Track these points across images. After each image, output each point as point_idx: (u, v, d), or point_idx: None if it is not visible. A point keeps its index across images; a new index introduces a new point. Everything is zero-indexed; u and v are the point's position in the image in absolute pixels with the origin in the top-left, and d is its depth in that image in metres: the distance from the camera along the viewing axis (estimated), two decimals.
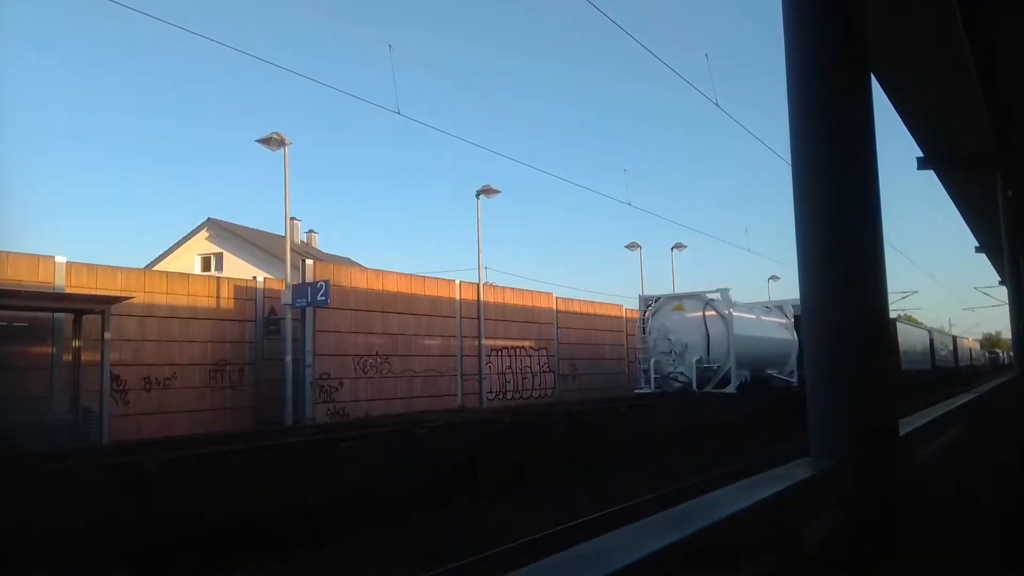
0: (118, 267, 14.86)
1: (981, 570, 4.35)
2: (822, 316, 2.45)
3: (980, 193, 12.82)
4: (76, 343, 12.18)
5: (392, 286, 18.68)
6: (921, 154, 11.25)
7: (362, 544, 8.00)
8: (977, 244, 20.36)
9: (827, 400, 2.39)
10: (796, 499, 1.84)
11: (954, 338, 51.89)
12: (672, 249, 34.14)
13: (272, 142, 16.97)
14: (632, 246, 29.60)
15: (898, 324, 28.39)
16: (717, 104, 14.16)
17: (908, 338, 29.51)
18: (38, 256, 12.93)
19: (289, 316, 15.59)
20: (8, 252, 12.64)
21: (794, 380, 20.10)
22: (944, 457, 3.69)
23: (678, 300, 19.97)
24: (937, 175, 12.31)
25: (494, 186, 22.81)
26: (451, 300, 20.37)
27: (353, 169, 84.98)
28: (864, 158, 2.42)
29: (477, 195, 22.42)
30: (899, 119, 9.60)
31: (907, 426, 2.96)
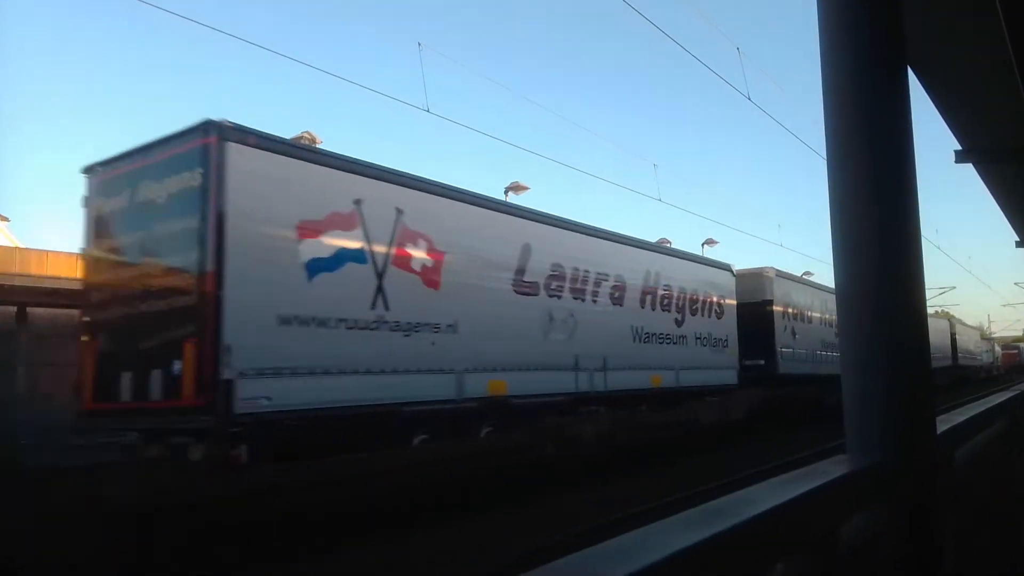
0: None
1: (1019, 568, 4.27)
2: (858, 310, 2.42)
3: (1020, 187, 12.54)
4: None
5: None
6: (959, 147, 11.02)
7: None
8: (1018, 239, 19.90)
9: (864, 396, 2.36)
10: (833, 496, 1.83)
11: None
12: (703, 245, 33.91)
13: (303, 140, 17.17)
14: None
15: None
16: (749, 98, 14.01)
17: None
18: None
19: None
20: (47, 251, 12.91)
21: None
22: (984, 456, 3.63)
23: None
24: (976, 168, 12.06)
25: (522, 182, 22.85)
26: None
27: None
28: (900, 148, 2.39)
29: (506, 192, 22.46)
30: (936, 112, 9.43)
31: (944, 423, 2.92)
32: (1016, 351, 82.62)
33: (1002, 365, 70.56)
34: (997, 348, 73.49)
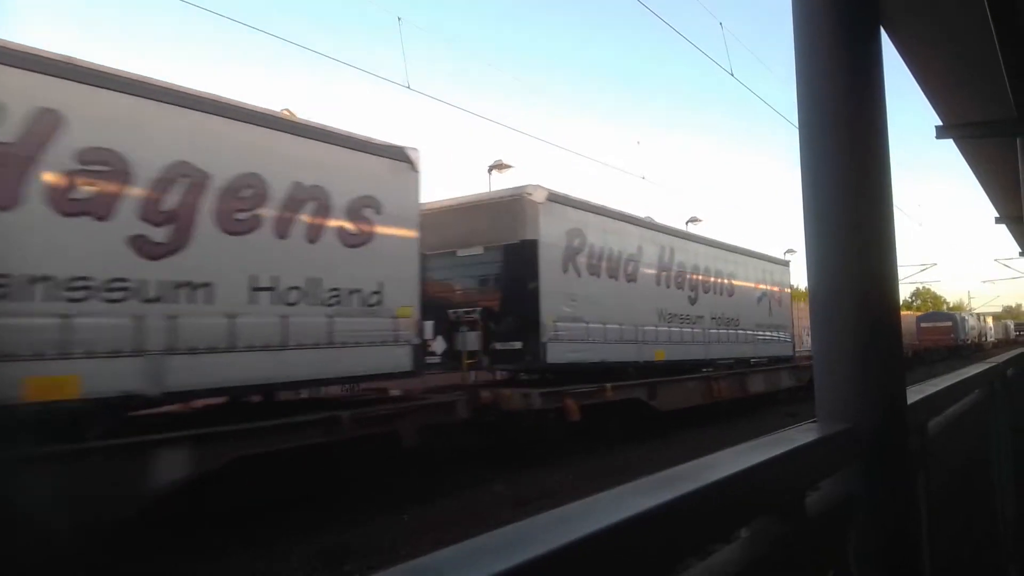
0: None
1: (991, 539, 4.31)
2: (828, 280, 2.40)
3: (1000, 162, 12.59)
4: None
5: None
6: (940, 123, 11.03)
7: None
8: (997, 215, 20.04)
9: (833, 364, 2.35)
10: (800, 462, 1.80)
11: None
12: (687, 223, 34.00)
13: (283, 116, 16.92)
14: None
15: None
16: (732, 74, 14.10)
17: None
18: None
19: None
20: None
21: None
22: (959, 425, 3.63)
23: None
24: (956, 144, 12.09)
25: (506, 161, 22.75)
26: None
27: None
28: (872, 117, 2.35)
29: (489, 170, 22.36)
30: (918, 88, 9.42)
31: (916, 394, 2.91)
32: (949, 324, 53.52)
33: (921, 347, 45.22)
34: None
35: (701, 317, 19.92)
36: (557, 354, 14.60)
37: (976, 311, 78.60)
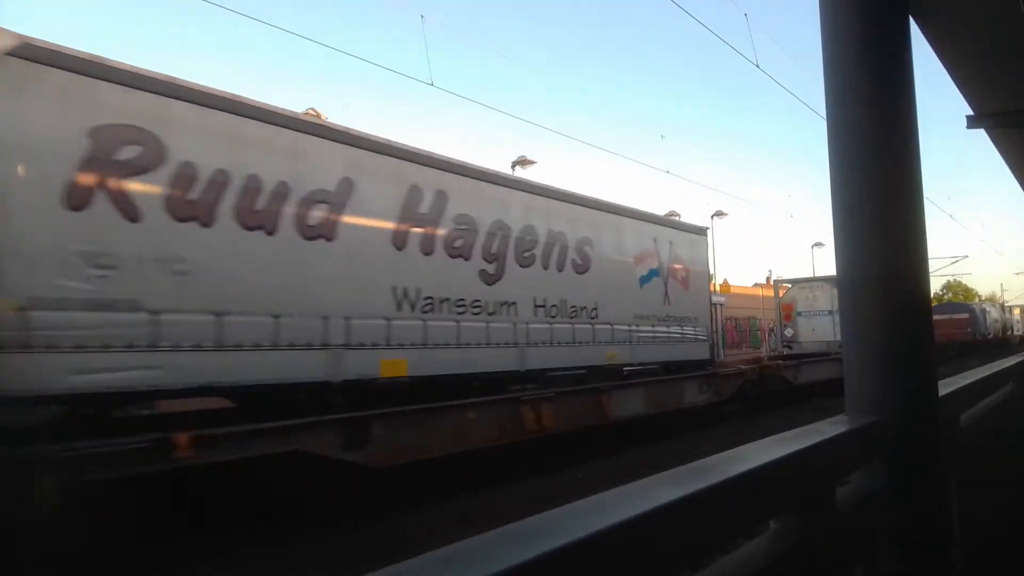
0: None
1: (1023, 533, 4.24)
2: (858, 273, 2.38)
3: None
4: None
5: None
6: (971, 112, 10.83)
7: None
8: None
9: (864, 358, 2.32)
10: (829, 454, 1.79)
11: None
12: (712, 217, 33.68)
13: (308, 116, 17.08)
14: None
15: None
16: (757, 66, 13.92)
17: None
18: None
19: None
20: None
21: None
22: (991, 418, 3.58)
23: None
24: (987, 134, 11.87)
25: (529, 157, 22.73)
26: None
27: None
28: (902, 107, 2.32)
29: (512, 166, 22.35)
30: (948, 77, 9.25)
31: (948, 386, 2.87)
32: (966, 316, 47.34)
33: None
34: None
35: (510, 304, 12.60)
36: (20, 376, 7.13)
37: (1007, 303, 75.80)
